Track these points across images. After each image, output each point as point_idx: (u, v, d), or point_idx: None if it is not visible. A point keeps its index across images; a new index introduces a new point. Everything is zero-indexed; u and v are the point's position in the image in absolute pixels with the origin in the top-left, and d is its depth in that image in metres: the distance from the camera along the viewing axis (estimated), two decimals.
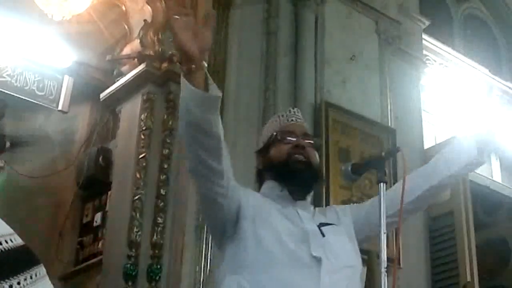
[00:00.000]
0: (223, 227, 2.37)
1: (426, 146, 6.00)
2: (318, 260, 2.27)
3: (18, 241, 1.14)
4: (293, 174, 2.48)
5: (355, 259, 2.40)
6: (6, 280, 1.06)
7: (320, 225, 2.41)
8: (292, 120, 2.62)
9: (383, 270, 2.08)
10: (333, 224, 2.46)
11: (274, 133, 2.58)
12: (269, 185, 2.53)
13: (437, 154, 2.65)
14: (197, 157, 2.17)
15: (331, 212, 2.57)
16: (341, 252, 2.36)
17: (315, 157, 2.54)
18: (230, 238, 2.36)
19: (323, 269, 2.26)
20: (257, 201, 2.43)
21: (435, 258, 5.57)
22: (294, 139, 2.53)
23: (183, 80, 2.09)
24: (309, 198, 2.55)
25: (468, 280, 5.27)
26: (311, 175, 2.50)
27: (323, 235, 2.36)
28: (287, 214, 2.42)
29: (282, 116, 2.65)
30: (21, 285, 1.09)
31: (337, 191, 4.92)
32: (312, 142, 2.56)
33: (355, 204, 2.79)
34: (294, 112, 2.67)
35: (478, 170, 6.60)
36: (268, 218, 2.37)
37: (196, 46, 2.08)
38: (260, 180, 2.60)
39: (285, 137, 2.55)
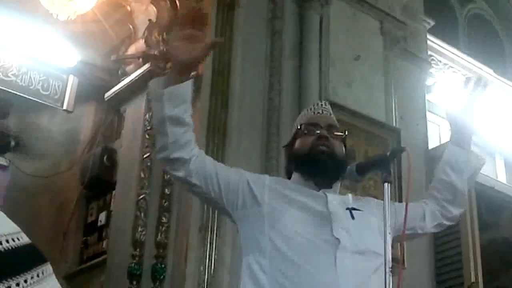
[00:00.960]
0: (230, 204, 2.44)
1: (430, 146, 6.00)
2: (337, 240, 2.30)
3: (24, 239, 1.14)
4: (316, 164, 2.50)
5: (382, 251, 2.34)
6: (13, 278, 1.07)
7: (352, 209, 2.43)
8: (318, 112, 2.63)
9: (388, 270, 2.08)
10: (363, 211, 2.47)
11: (299, 126, 2.61)
12: (295, 177, 2.56)
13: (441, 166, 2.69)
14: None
15: (368, 202, 2.58)
16: (368, 237, 2.37)
17: (340, 148, 2.54)
18: (245, 215, 2.42)
19: (341, 250, 2.28)
20: (275, 183, 2.48)
21: (440, 258, 5.57)
22: (318, 130, 2.54)
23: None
24: (336, 186, 2.54)
25: (472, 281, 5.27)
26: (334, 165, 2.49)
27: (353, 218, 2.39)
28: (312, 196, 2.44)
29: (310, 109, 2.67)
30: (28, 283, 1.09)
31: (342, 191, 4.93)
32: (337, 134, 2.56)
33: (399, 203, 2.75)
34: (321, 104, 2.69)
35: (483, 171, 6.64)
36: (287, 201, 2.41)
37: (188, 57, 2.26)
38: (288, 175, 2.62)
39: (309, 129, 2.56)
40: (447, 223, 2.65)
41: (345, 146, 2.60)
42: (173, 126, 2.29)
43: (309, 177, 2.51)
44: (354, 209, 2.44)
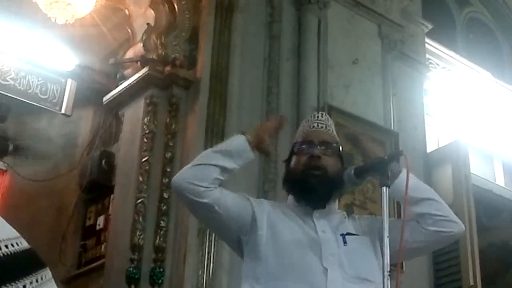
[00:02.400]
0: (237, 235, 2.47)
1: (429, 149, 6.00)
2: (326, 270, 2.30)
3: (24, 244, 1.14)
4: (307, 189, 2.49)
5: (376, 275, 2.31)
6: (12, 284, 1.07)
7: (347, 234, 2.41)
8: (313, 126, 2.60)
9: (386, 273, 2.08)
10: (358, 235, 2.46)
11: (294, 144, 2.61)
12: (290, 198, 2.58)
13: None
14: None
15: (363, 221, 2.56)
16: (361, 264, 2.37)
17: (334, 165, 2.51)
18: (246, 246, 2.44)
19: (330, 279, 2.28)
20: (271, 211, 2.49)
21: (438, 262, 5.57)
22: (311, 149, 2.51)
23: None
24: (331, 205, 2.52)
25: (471, 284, 5.27)
26: (327, 188, 2.48)
27: (345, 243, 2.37)
28: (302, 224, 2.44)
29: (307, 121, 2.66)
30: None
31: (342, 202, 4.96)
32: (329, 149, 2.52)
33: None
34: (318, 117, 2.65)
35: (481, 174, 6.66)
36: (281, 229, 2.42)
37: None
38: (287, 190, 2.62)
39: (302, 148, 2.55)
40: (432, 228, 2.49)
41: (341, 158, 2.57)
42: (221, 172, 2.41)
43: (301, 199, 2.51)
44: (349, 233, 2.42)
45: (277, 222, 2.44)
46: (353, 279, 2.31)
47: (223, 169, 2.39)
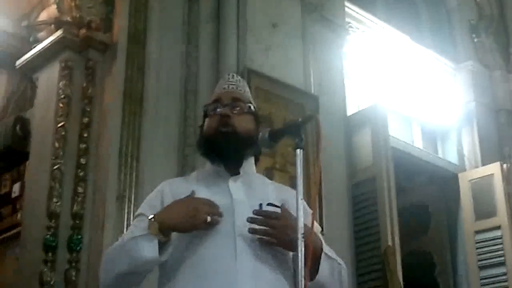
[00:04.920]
0: None
1: (349, 113, 6.06)
2: (235, 238, 2.27)
3: None
4: (219, 149, 2.44)
5: None
6: None
7: (268, 204, 2.34)
8: (224, 88, 2.56)
9: (300, 236, 2.07)
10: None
11: (204, 107, 2.56)
12: (207, 165, 2.53)
13: None
14: None
15: (290, 194, 2.46)
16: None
17: (246, 122, 2.47)
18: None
19: (239, 246, 2.26)
20: (174, 189, 2.45)
21: (358, 223, 5.66)
22: (219, 109, 2.47)
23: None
24: (246, 168, 2.48)
25: (389, 244, 5.37)
26: (238, 146, 2.44)
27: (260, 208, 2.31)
28: (217, 191, 2.39)
29: (219, 84, 2.61)
30: None
31: (260, 158, 4.95)
32: (239, 107, 2.48)
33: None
34: (228, 78, 2.61)
35: (400, 137, 6.77)
36: None
37: None
38: (201, 154, 2.56)
39: (212, 109, 2.51)
40: None
41: (255, 116, 2.53)
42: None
43: (217, 162, 2.47)
44: (270, 204, 2.35)
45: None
46: (265, 246, 2.28)
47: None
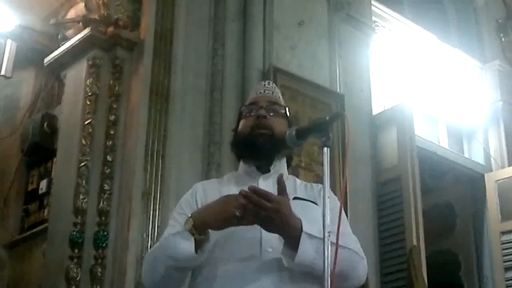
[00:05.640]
0: None
1: (374, 112, 6.03)
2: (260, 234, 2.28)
3: None
4: (255, 149, 2.48)
5: None
6: None
7: (294, 198, 2.37)
8: (260, 92, 2.63)
9: (327, 234, 2.07)
10: (312, 202, 2.44)
11: (240, 108, 2.61)
12: (240, 166, 2.57)
13: None
14: None
15: (321, 194, 2.48)
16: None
17: (281, 125, 2.51)
18: None
19: (265, 238, 2.27)
20: (206, 190, 2.49)
21: (383, 223, 5.64)
22: (256, 111, 2.52)
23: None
24: (277, 168, 2.51)
25: (414, 244, 5.34)
26: (274, 147, 2.48)
27: None
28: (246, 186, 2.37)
29: (253, 90, 2.68)
30: None
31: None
32: (275, 110, 2.54)
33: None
34: (264, 84, 2.68)
35: (425, 136, 6.73)
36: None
37: None
38: (236, 154, 2.61)
39: (249, 110, 2.56)
40: None
41: (288, 121, 2.58)
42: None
43: (250, 162, 2.51)
44: (296, 198, 2.40)
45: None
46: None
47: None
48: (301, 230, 2.19)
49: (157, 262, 2.28)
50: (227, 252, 2.30)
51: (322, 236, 2.12)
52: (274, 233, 2.21)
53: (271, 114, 2.52)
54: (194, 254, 2.20)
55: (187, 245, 2.19)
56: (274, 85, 2.71)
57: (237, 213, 2.19)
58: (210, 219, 2.22)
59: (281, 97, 2.68)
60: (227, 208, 2.21)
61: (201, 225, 2.22)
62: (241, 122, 2.57)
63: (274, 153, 2.50)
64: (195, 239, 2.20)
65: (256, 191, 2.18)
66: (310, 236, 2.20)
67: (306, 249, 2.19)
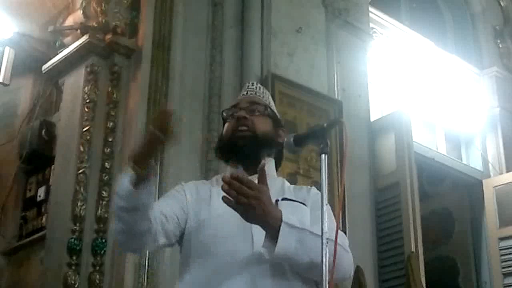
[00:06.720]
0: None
1: (372, 118, 6.04)
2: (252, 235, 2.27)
3: None
4: (236, 149, 2.46)
5: None
6: None
7: (283, 199, 2.36)
8: (243, 94, 2.61)
9: (324, 241, 2.07)
10: (301, 203, 2.41)
11: (222, 113, 2.59)
12: (227, 168, 2.54)
13: None
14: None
15: (309, 195, 2.48)
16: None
17: (264, 124, 2.49)
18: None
19: (256, 240, 2.25)
20: (194, 192, 2.45)
21: (381, 229, 5.63)
22: (236, 113, 2.50)
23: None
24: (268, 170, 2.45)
25: (412, 250, 5.34)
26: (255, 146, 2.45)
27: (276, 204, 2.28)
28: None
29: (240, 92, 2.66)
30: None
31: (283, 164, 4.96)
32: (257, 110, 2.50)
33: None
34: (248, 86, 2.65)
35: (423, 142, 6.74)
36: (207, 204, 2.39)
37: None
38: (219, 157, 2.60)
39: (229, 113, 2.54)
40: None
41: (274, 119, 2.55)
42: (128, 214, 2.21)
43: (235, 164, 2.49)
44: (285, 199, 2.38)
45: (201, 200, 2.41)
46: None
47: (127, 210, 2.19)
48: (281, 220, 2.17)
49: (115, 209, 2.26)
50: (213, 245, 2.30)
51: (302, 227, 2.15)
52: (254, 223, 2.17)
53: (252, 114, 2.49)
54: (131, 188, 2.13)
55: (126, 180, 2.14)
56: (259, 85, 2.67)
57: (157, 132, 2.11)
58: (139, 148, 2.16)
59: (266, 95, 2.63)
60: (149, 132, 2.13)
61: (137, 159, 2.14)
62: (224, 126, 2.55)
63: (259, 152, 2.47)
64: (136, 176, 2.12)
65: (238, 178, 2.14)
66: (290, 226, 2.17)
67: (287, 239, 2.15)
